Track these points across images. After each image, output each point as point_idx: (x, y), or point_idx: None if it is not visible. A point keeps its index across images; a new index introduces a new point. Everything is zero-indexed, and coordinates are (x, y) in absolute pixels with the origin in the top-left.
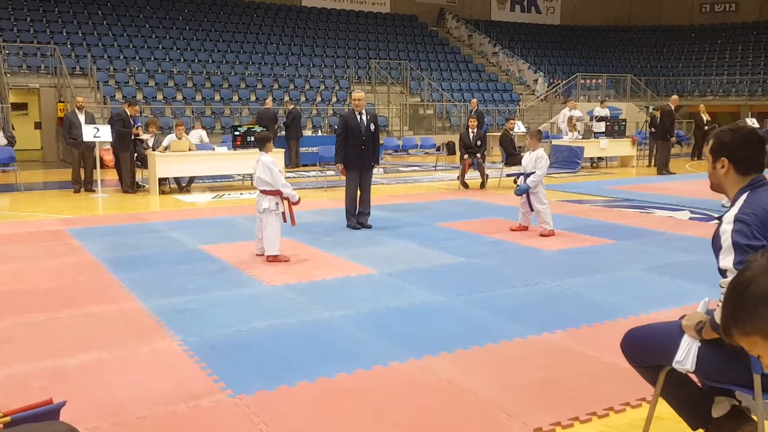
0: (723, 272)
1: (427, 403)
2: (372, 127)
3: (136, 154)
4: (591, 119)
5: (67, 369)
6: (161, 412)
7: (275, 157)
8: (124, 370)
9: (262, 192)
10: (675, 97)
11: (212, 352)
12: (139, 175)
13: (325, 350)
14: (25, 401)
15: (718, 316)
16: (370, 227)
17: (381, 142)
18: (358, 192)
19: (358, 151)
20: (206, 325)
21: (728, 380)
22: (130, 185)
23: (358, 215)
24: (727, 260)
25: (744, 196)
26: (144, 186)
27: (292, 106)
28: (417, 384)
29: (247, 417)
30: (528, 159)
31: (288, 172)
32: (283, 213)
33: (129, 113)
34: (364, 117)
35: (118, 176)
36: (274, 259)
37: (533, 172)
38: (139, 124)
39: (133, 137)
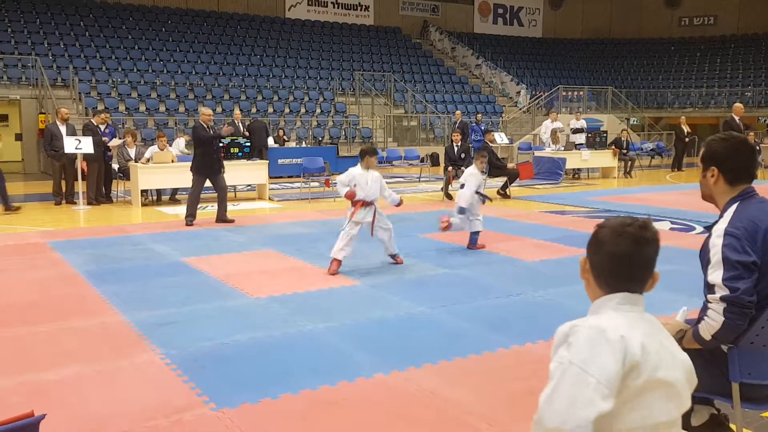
0: (711, 287)
1: (411, 415)
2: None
3: (118, 166)
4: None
5: (47, 383)
6: (143, 427)
7: (259, 167)
8: (105, 385)
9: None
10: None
11: (195, 366)
12: (121, 186)
13: (308, 362)
14: (3, 416)
15: (702, 328)
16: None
17: None
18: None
19: (210, 160)
20: (189, 338)
21: (707, 389)
22: (93, 196)
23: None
24: (716, 275)
25: (733, 207)
26: (114, 200)
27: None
28: (400, 395)
29: (230, 430)
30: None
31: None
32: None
33: (96, 123)
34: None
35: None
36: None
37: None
38: (108, 131)
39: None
